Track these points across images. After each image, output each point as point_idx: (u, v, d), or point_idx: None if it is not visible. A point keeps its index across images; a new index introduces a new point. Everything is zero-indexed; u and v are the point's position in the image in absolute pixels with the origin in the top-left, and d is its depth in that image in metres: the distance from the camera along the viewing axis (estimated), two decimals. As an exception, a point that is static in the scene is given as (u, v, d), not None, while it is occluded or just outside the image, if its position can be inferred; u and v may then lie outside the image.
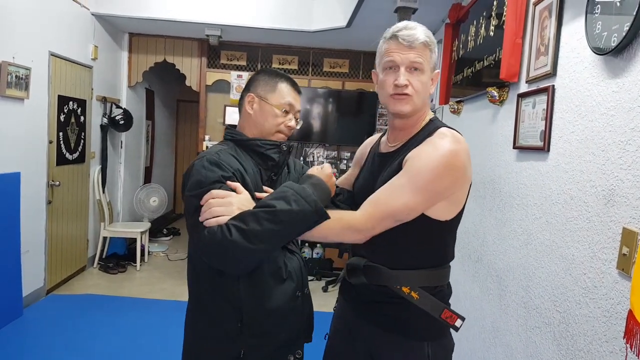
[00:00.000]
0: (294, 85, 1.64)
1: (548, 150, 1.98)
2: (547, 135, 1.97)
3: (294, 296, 1.51)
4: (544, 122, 2.00)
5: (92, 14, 4.87)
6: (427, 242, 1.40)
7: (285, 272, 1.49)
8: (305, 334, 1.61)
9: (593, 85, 1.69)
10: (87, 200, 5.04)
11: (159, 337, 3.60)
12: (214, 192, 1.32)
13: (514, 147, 2.30)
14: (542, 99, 2.03)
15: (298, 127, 1.64)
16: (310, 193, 1.33)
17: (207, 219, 1.29)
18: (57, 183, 4.30)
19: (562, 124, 1.89)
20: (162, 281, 4.97)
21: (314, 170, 1.49)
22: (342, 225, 1.34)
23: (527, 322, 2.07)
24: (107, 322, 3.81)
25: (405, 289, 1.37)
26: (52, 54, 4.16)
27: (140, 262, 5.38)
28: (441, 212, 1.36)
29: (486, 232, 2.66)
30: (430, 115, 1.47)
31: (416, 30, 1.38)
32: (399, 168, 1.35)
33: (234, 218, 1.27)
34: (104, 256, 5.36)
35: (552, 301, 1.86)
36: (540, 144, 2.02)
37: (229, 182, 1.36)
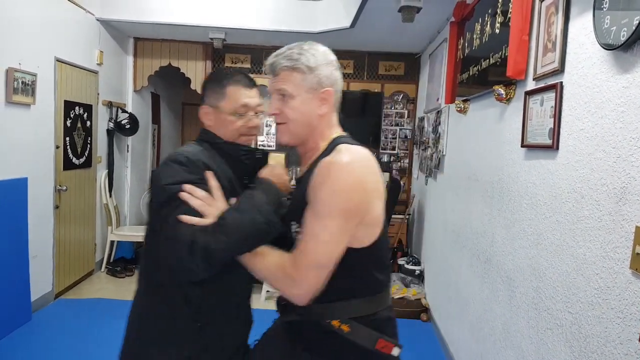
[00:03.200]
0: (244, 81, 1.55)
1: (557, 148, 1.95)
2: (555, 133, 1.94)
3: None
4: (552, 119, 1.97)
5: (97, 20, 4.89)
6: (350, 272, 1.27)
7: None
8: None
9: (602, 81, 1.66)
10: (94, 204, 5.05)
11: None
12: (197, 190, 1.30)
13: (522, 146, 2.27)
14: (550, 96, 2.00)
15: (265, 120, 1.58)
16: (261, 201, 1.30)
17: (185, 215, 1.25)
18: (64, 188, 4.31)
19: (571, 121, 1.86)
20: (170, 285, 4.96)
21: (264, 172, 1.43)
22: (279, 270, 1.25)
23: (538, 323, 2.04)
24: (116, 326, 3.78)
25: (335, 323, 1.27)
26: (58, 60, 4.17)
27: (148, 266, 5.38)
28: (360, 238, 1.26)
29: (495, 232, 2.63)
30: (336, 134, 1.38)
31: (279, 57, 1.34)
32: (303, 199, 1.27)
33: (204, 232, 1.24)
34: (111, 260, 5.37)
35: (564, 302, 1.83)
36: (549, 142, 1.99)
37: (209, 175, 1.35)
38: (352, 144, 1.31)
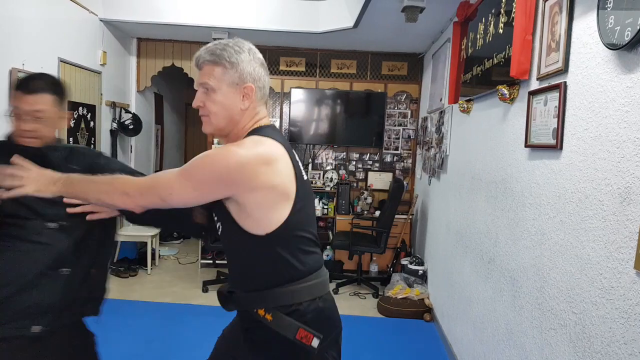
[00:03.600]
0: (27, 86, 1.61)
1: (561, 148, 1.94)
2: (559, 133, 1.94)
3: (42, 272, 1.55)
4: (556, 119, 1.97)
5: (101, 20, 4.90)
6: (261, 259, 1.35)
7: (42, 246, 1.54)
8: (51, 310, 1.60)
9: (606, 81, 1.66)
10: (97, 205, 5.05)
11: (170, 340, 3.60)
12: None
13: (526, 146, 2.26)
14: (554, 96, 2.00)
15: (37, 125, 1.61)
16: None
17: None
18: (68, 188, 4.32)
19: (575, 121, 1.85)
20: (173, 284, 4.97)
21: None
22: (115, 184, 1.40)
23: (541, 323, 2.03)
24: (119, 326, 3.81)
25: (260, 312, 1.33)
26: (61, 60, 4.18)
27: (151, 265, 5.39)
28: (253, 225, 1.32)
29: (498, 232, 2.62)
30: (258, 125, 1.43)
31: (202, 52, 1.40)
32: None
33: None
34: (114, 260, 5.38)
35: (568, 302, 1.82)
36: (552, 142, 1.99)
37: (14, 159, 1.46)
38: (263, 135, 1.37)
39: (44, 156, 1.65)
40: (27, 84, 1.63)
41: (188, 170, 1.30)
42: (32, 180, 1.41)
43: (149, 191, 1.34)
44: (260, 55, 1.45)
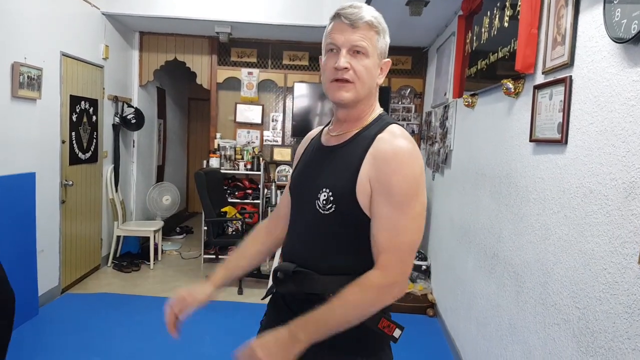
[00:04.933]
0: None
1: (566, 142, 1.93)
2: (564, 127, 1.92)
3: None
4: (561, 114, 1.95)
5: (103, 14, 4.89)
6: (363, 246, 1.24)
7: None
8: None
9: (612, 74, 1.64)
10: (100, 199, 5.07)
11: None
12: None
13: (531, 140, 2.25)
14: (559, 90, 1.98)
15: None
16: None
17: None
18: (71, 183, 4.33)
19: (580, 115, 1.84)
20: (176, 279, 4.98)
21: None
22: (366, 283, 1.18)
23: (545, 319, 2.03)
24: (122, 321, 3.83)
25: None
26: (64, 54, 4.17)
27: (154, 260, 5.40)
28: None
29: (502, 227, 2.61)
30: (379, 110, 1.35)
31: (361, 9, 1.23)
32: (345, 169, 1.25)
33: None
34: (117, 255, 5.39)
35: (571, 297, 1.82)
36: (557, 136, 1.97)
37: None
38: (401, 126, 1.29)
39: None
40: None
41: (416, 211, 1.20)
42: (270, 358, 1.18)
43: (407, 260, 1.22)
44: None
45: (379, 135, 1.24)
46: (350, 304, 1.17)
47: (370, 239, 1.23)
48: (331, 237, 1.28)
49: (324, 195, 1.26)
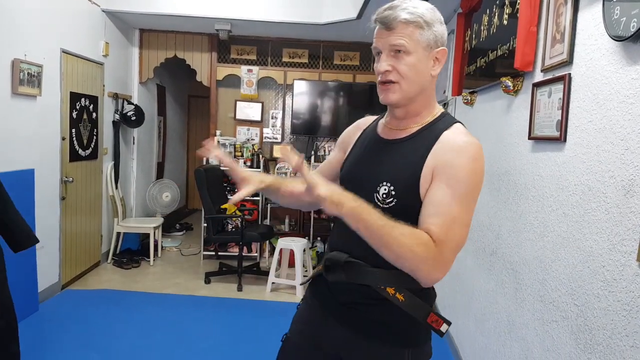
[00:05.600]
0: None
1: (565, 140, 1.93)
2: (563, 125, 1.93)
3: None
4: (560, 111, 1.95)
5: (103, 11, 4.88)
6: None
7: None
8: None
9: (611, 72, 1.65)
10: (100, 196, 5.08)
11: (173, 331, 3.62)
12: None
13: (529, 138, 2.25)
14: (558, 87, 1.98)
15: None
16: None
17: None
18: (71, 179, 4.33)
19: (579, 113, 1.84)
20: (176, 276, 4.99)
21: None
22: (422, 250, 1.15)
23: (543, 315, 2.03)
24: (122, 317, 3.84)
25: (390, 290, 1.25)
26: (64, 51, 4.17)
27: (154, 257, 5.42)
28: None
29: (501, 224, 2.62)
30: (441, 108, 1.35)
31: (396, 10, 1.24)
32: (406, 166, 1.25)
33: None
34: (117, 251, 5.40)
35: (570, 294, 1.82)
36: (556, 134, 1.98)
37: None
38: (463, 124, 1.31)
39: None
40: None
41: (471, 206, 1.22)
42: (326, 187, 1.16)
43: (456, 249, 1.21)
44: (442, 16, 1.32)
45: (446, 132, 1.25)
46: (405, 239, 1.14)
47: None
48: None
49: (384, 189, 1.25)
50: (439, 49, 1.28)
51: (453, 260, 1.22)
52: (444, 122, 1.29)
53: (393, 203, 1.24)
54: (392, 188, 1.24)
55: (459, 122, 1.31)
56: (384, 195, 1.25)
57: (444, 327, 1.29)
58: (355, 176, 1.36)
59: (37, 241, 2.55)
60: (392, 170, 1.27)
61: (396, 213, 1.19)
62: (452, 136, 1.24)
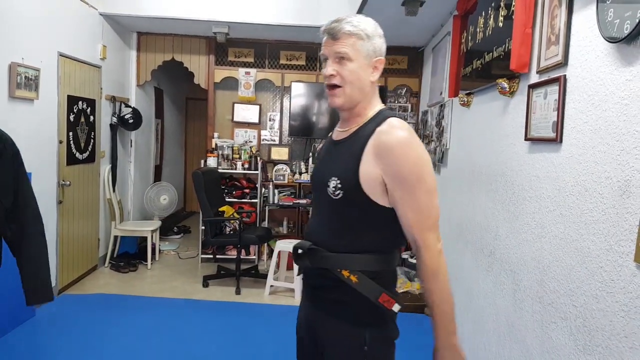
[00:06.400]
0: None
1: (561, 141, 1.94)
2: (559, 126, 1.94)
3: None
4: (556, 112, 1.96)
5: (100, 14, 4.88)
6: (373, 227, 1.42)
7: None
8: None
9: (606, 74, 1.65)
10: (97, 199, 5.07)
11: (171, 335, 3.61)
12: None
13: (526, 139, 2.26)
14: (554, 89, 1.99)
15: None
16: None
17: None
18: (68, 183, 4.33)
19: (575, 114, 1.85)
20: (174, 279, 4.98)
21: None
22: (430, 272, 1.39)
23: (542, 317, 2.04)
24: (120, 322, 3.83)
25: (345, 272, 1.40)
26: (61, 55, 4.17)
27: (151, 260, 5.41)
28: (382, 198, 1.39)
29: (499, 225, 2.62)
30: (380, 106, 1.50)
31: (341, 23, 1.40)
32: (350, 160, 1.40)
33: None
34: (115, 255, 5.39)
35: (568, 295, 1.83)
36: (552, 135, 1.98)
37: None
38: (399, 118, 1.43)
39: None
40: None
41: (429, 185, 1.38)
42: None
43: (437, 228, 1.41)
44: (382, 32, 1.48)
45: (379, 128, 1.38)
46: (438, 290, 1.36)
47: (375, 222, 1.41)
48: (340, 220, 1.44)
49: (334, 184, 1.42)
50: (378, 59, 1.45)
51: (438, 229, 1.41)
52: (380, 117, 1.43)
53: (341, 195, 1.40)
54: (339, 182, 1.41)
55: (394, 115, 1.44)
56: (334, 189, 1.41)
57: (395, 307, 1.43)
58: (315, 175, 1.57)
59: (52, 299, 2.26)
60: (339, 167, 1.44)
61: (344, 203, 1.41)
62: (383, 134, 1.37)
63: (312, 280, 1.52)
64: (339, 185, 1.40)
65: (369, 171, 1.36)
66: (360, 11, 4.15)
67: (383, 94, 5.71)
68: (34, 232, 2.06)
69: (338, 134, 1.54)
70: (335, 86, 1.42)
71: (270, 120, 6.05)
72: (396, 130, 1.36)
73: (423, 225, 1.37)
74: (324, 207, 1.50)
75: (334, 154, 1.51)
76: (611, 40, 1.57)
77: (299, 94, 5.69)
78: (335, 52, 1.40)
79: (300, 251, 1.48)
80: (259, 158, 5.70)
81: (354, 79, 1.41)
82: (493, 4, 2.79)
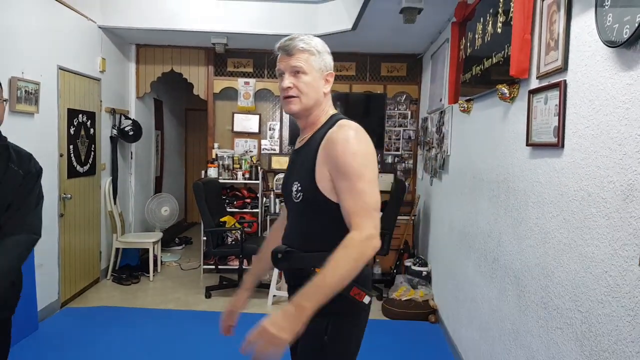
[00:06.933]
0: None
1: (562, 146, 1.94)
2: (560, 131, 1.94)
3: None
4: (557, 117, 1.96)
5: (99, 27, 4.90)
6: (338, 226, 1.47)
7: None
8: None
9: (606, 78, 1.65)
10: (98, 212, 5.06)
11: (174, 347, 3.59)
12: None
13: (527, 145, 2.26)
14: (554, 94, 1.99)
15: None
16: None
17: None
18: (69, 196, 4.32)
19: (576, 119, 1.85)
20: (175, 291, 4.96)
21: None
22: (346, 243, 1.40)
23: (547, 322, 2.03)
24: (122, 334, 3.81)
25: (317, 270, 1.43)
26: (61, 68, 4.18)
27: (153, 272, 5.39)
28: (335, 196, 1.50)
29: (502, 231, 2.62)
30: (332, 111, 1.63)
31: (294, 40, 1.55)
32: (308, 163, 1.53)
33: None
34: (117, 267, 5.37)
35: (573, 301, 1.82)
36: (554, 140, 1.98)
37: None
38: (350, 120, 1.57)
39: None
40: None
41: (369, 176, 1.45)
42: (276, 336, 1.33)
43: (375, 216, 1.44)
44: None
45: (330, 130, 1.53)
46: (340, 263, 1.37)
47: (335, 219, 1.48)
48: (305, 221, 1.59)
49: (295, 187, 1.57)
50: (328, 72, 1.61)
51: (377, 217, 1.45)
52: (331, 122, 1.57)
53: (301, 197, 1.55)
54: (299, 186, 1.56)
55: (343, 118, 1.58)
56: (295, 192, 1.57)
57: (366, 299, 1.53)
58: (283, 183, 1.72)
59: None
60: (299, 172, 1.59)
61: (305, 204, 1.55)
62: (333, 133, 1.50)
63: (292, 280, 1.63)
64: (299, 189, 1.55)
65: (322, 172, 1.49)
66: (358, 20, 4.17)
67: (382, 101, 5.72)
68: (12, 248, 1.92)
69: (299, 143, 1.68)
70: (292, 96, 1.56)
71: (270, 130, 6.06)
72: (343, 129, 1.50)
73: (359, 211, 1.42)
74: (292, 211, 1.65)
75: (296, 162, 1.65)
76: (611, 44, 1.57)
77: (298, 103, 5.69)
78: (292, 66, 1.54)
79: (279, 255, 1.59)
80: (259, 168, 5.70)
81: (309, 90, 1.55)
82: (491, 11, 2.80)
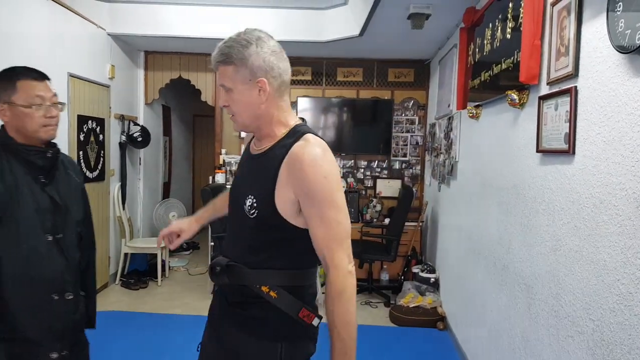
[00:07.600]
0: (33, 74, 1.67)
1: (573, 153, 1.92)
2: (571, 137, 1.92)
3: (47, 298, 1.64)
4: (567, 124, 1.95)
5: (109, 34, 4.94)
6: (289, 245, 1.40)
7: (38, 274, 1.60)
8: (69, 334, 1.83)
9: (618, 84, 1.64)
10: (107, 217, 5.08)
11: (182, 352, 3.59)
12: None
13: (537, 151, 2.24)
14: (565, 100, 1.98)
15: (62, 110, 1.76)
16: None
17: None
18: (78, 202, 4.34)
19: (587, 125, 1.83)
20: (184, 296, 4.97)
21: None
22: (335, 291, 1.33)
23: (558, 331, 2.00)
24: (131, 339, 3.81)
25: (264, 288, 1.38)
26: (71, 75, 4.22)
27: (161, 277, 5.40)
28: (297, 219, 1.37)
29: (511, 238, 2.60)
30: (294, 121, 1.45)
31: (215, 50, 1.38)
32: (265, 176, 1.37)
33: None
34: (125, 272, 5.39)
35: (585, 309, 1.80)
36: (565, 146, 1.97)
37: None
38: (315, 134, 1.40)
39: (54, 160, 1.71)
40: (35, 72, 1.70)
41: (338, 203, 1.34)
42: None
43: (347, 246, 1.36)
44: (272, 43, 1.41)
45: (294, 146, 1.34)
46: (340, 312, 1.31)
47: (288, 239, 1.39)
48: (256, 237, 1.41)
49: (249, 202, 1.39)
50: (258, 79, 1.35)
51: (349, 247, 1.36)
52: (294, 135, 1.39)
53: (255, 214, 1.37)
54: (254, 201, 1.38)
55: (309, 132, 1.40)
56: (249, 207, 1.39)
57: (315, 321, 1.42)
58: (233, 190, 1.54)
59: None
60: (255, 185, 1.41)
61: (259, 222, 1.38)
62: (298, 152, 1.33)
63: (231, 297, 1.47)
64: (255, 204, 1.37)
65: (283, 193, 1.34)
66: (365, 26, 4.17)
67: (390, 106, 5.71)
68: (94, 264, 2.07)
69: (254, 146, 1.50)
70: (232, 115, 1.42)
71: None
72: (310, 146, 1.33)
73: (331, 242, 1.33)
74: (240, 223, 1.45)
75: (252, 170, 1.48)
76: (623, 50, 1.56)
77: (305, 109, 5.71)
78: (219, 84, 1.40)
79: (218, 268, 1.44)
80: (267, 173, 5.69)
81: (240, 109, 1.38)
82: (500, 16, 2.80)
